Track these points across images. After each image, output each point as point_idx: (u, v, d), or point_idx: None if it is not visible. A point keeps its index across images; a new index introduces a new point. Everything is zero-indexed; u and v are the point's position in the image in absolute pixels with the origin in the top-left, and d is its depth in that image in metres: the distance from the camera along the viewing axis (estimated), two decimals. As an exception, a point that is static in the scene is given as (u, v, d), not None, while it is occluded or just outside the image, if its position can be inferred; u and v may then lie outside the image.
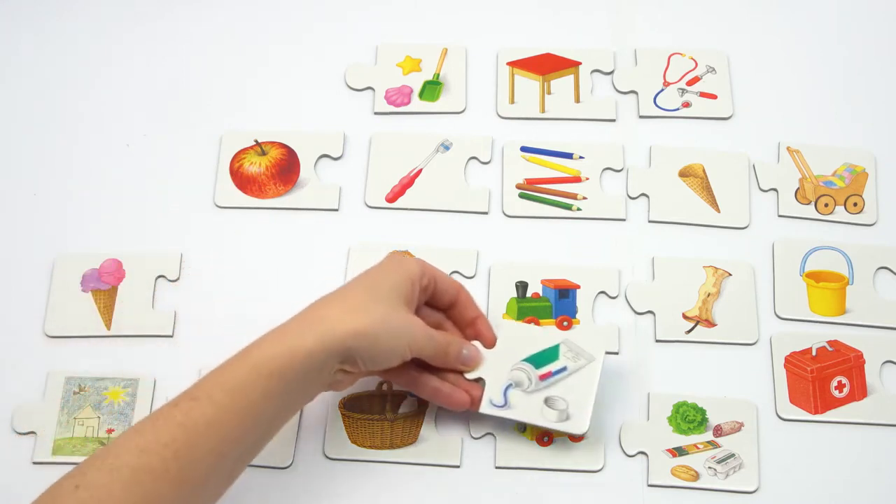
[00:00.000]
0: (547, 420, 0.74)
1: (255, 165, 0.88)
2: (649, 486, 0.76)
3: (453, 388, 0.74)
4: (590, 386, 0.75)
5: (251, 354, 0.66)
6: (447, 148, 0.89)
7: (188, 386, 0.66)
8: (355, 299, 0.69)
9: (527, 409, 0.74)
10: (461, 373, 0.75)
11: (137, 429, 0.63)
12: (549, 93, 0.92)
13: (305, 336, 0.66)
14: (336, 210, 0.87)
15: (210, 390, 0.64)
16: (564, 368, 0.75)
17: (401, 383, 0.76)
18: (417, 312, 0.74)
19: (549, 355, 0.76)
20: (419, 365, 0.74)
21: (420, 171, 0.88)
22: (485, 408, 0.75)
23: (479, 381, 0.75)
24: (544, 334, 0.78)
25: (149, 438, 0.62)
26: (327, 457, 0.77)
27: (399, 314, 0.70)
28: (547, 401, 0.74)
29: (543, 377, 0.75)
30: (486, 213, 0.87)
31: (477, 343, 0.76)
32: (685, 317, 0.82)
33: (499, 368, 0.76)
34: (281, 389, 0.65)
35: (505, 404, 0.74)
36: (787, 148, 0.89)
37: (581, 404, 0.74)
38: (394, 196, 0.87)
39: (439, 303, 0.76)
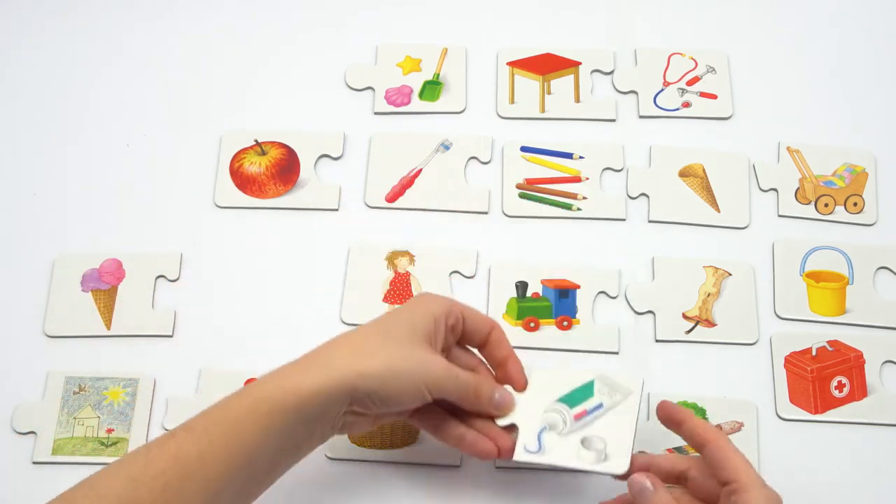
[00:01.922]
0: (583, 462, 0.70)
1: (255, 165, 0.88)
2: (649, 486, 0.76)
3: (478, 437, 0.70)
4: (628, 421, 0.70)
5: (252, 391, 0.64)
6: (447, 148, 0.89)
7: (187, 389, 0.64)
8: (365, 340, 0.67)
9: (562, 452, 0.70)
10: (492, 419, 0.71)
11: (131, 456, 0.61)
12: (549, 93, 0.92)
13: (309, 376, 0.64)
14: (336, 210, 0.87)
15: (207, 424, 0.62)
16: (600, 405, 0.71)
17: (425, 427, 0.72)
18: (448, 354, 0.71)
19: (583, 392, 0.72)
20: (450, 409, 0.70)
21: (420, 171, 0.88)
22: (519, 455, 0.70)
23: (512, 427, 0.71)
24: (578, 373, 0.73)
25: (140, 468, 0.60)
26: (327, 457, 0.77)
27: (413, 353, 0.66)
28: (583, 441, 0.70)
29: (578, 416, 0.71)
30: (486, 212, 0.87)
31: (507, 387, 0.72)
32: (685, 317, 0.82)
33: (532, 412, 0.71)
34: (281, 428, 0.63)
35: (539, 449, 0.70)
36: (787, 148, 0.89)
37: (619, 441, 0.70)
38: (394, 196, 0.87)
39: (471, 341, 0.72)
